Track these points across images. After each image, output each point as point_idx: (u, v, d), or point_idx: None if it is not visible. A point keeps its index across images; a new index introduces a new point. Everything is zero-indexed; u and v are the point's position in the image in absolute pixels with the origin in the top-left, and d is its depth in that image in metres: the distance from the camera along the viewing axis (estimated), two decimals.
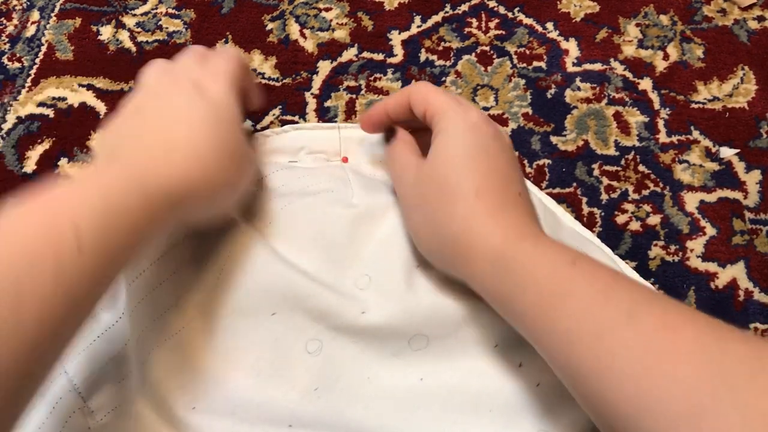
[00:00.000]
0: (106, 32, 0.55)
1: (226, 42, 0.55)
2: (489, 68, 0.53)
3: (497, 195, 0.34)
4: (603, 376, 0.26)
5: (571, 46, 0.55)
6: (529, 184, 0.46)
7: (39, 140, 0.50)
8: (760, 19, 0.56)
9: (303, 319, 0.37)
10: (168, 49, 0.54)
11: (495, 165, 0.35)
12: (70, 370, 0.37)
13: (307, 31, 0.55)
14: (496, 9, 0.57)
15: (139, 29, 0.55)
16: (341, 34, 0.55)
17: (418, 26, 0.56)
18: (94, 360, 0.37)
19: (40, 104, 0.51)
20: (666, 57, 0.54)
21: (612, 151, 0.50)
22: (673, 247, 0.46)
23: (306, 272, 0.38)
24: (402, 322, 0.36)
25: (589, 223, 0.46)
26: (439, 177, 0.35)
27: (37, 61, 0.54)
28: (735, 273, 0.45)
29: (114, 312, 0.39)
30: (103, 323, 0.38)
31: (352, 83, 0.53)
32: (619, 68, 0.54)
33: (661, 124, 0.51)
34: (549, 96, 0.52)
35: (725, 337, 0.25)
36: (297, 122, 0.51)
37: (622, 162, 0.49)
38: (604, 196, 0.48)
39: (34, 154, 0.49)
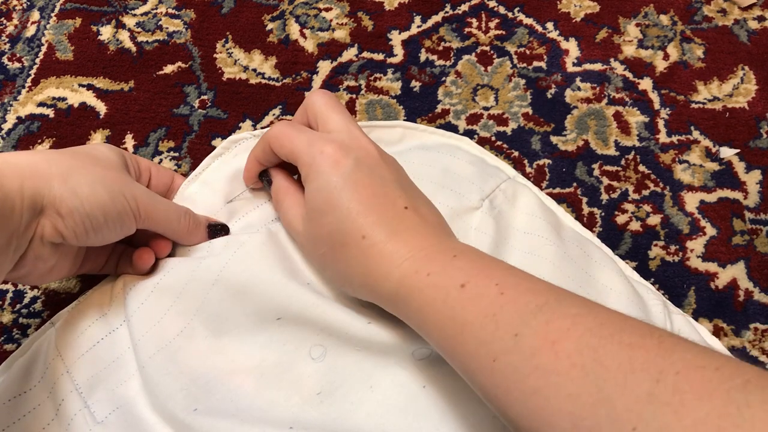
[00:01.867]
0: (106, 32, 0.55)
1: (226, 42, 0.55)
2: (489, 68, 0.53)
3: (383, 225, 0.33)
4: (501, 397, 0.28)
5: (571, 46, 0.55)
6: (528, 183, 0.46)
7: (39, 140, 0.50)
8: (760, 19, 0.56)
9: (307, 326, 0.37)
10: (168, 49, 0.54)
11: (369, 193, 0.34)
12: (72, 370, 0.37)
13: (307, 31, 0.55)
14: (496, 9, 0.57)
15: (139, 29, 0.55)
16: (341, 34, 0.55)
17: (418, 26, 0.56)
18: (96, 362, 0.37)
19: (40, 104, 0.51)
20: (666, 57, 0.54)
21: (612, 151, 0.50)
22: (673, 247, 0.46)
23: (311, 283, 0.38)
24: (406, 335, 0.36)
25: (589, 223, 0.46)
26: (326, 234, 0.35)
27: (37, 61, 0.54)
28: (735, 273, 0.45)
29: (117, 316, 0.39)
30: (106, 327, 0.38)
31: (352, 83, 0.53)
32: (619, 68, 0.54)
33: (661, 124, 0.51)
34: (549, 96, 0.52)
35: (602, 344, 0.26)
36: None
37: (622, 162, 0.49)
38: (604, 196, 0.48)
39: None
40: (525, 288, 0.30)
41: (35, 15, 0.56)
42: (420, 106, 0.51)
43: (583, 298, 0.29)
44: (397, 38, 0.55)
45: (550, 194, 0.47)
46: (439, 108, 0.51)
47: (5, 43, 0.55)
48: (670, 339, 0.25)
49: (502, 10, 0.57)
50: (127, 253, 0.40)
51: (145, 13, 0.56)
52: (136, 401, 0.36)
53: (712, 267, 0.45)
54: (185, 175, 0.46)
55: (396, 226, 0.34)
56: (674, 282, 0.44)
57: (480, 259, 0.32)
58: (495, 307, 0.29)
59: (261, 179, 0.41)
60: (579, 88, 0.52)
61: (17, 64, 0.54)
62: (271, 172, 0.41)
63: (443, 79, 0.53)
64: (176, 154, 0.49)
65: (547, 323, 0.27)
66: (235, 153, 0.45)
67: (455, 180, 0.43)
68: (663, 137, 0.50)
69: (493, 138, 0.50)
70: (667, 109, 0.52)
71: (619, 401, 0.24)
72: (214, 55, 0.54)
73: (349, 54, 0.54)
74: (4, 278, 0.33)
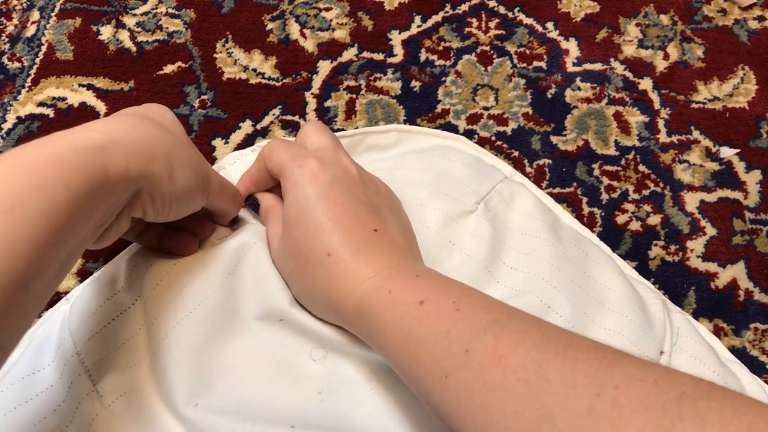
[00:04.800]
0: (106, 32, 0.55)
1: (226, 42, 0.55)
2: (489, 68, 0.53)
3: (349, 245, 0.34)
4: (453, 415, 0.28)
5: (571, 46, 0.55)
6: (526, 182, 0.46)
7: None
8: (760, 19, 0.56)
9: (308, 331, 0.37)
10: (168, 49, 0.54)
11: (339, 211, 0.35)
12: (82, 352, 0.37)
13: (307, 31, 0.55)
14: (496, 9, 0.57)
15: (139, 29, 0.55)
16: (341, 34, 0.55)
17: (418, 26, 0.56)
18: (106, 343, 0.37)
19: (40, 104, 0.51)
20: (666, 57, 0.54)
21: (612, 151, 0.50)
22: (673, 247, 0.46)
23: None
24: None
25: (589, 223, 0.46)
26: (294, 247, 0.36)
27: (37, 61, 0.54)
28: (735, 273, 0.45)
29: (130, 295, 0.38)
30: (117, 306, 0.38)
31: (352, 83, 0.53)
32: (619, 68, 0.54)
33: (661, 124, 0.51)
34: (549, 96, 0.52)
35: (547, 358, 0.26)
36: (297, 123, 0.51)
37: (623, 162, 0.49)
38: (604, 196, 0.48)
39: None
40: (479, 306, 0.30)
41: (35, 15, 0.56)
42: (420, 106, 0.51)
43: (534, 316, 0.30)
44: (397, 38, 0.55)
45: (550, 194, 0.47)
46: (439, 108, 0.51)
47: (5, 43, 0.55)
48: (613, 354, 0.26)
49: (502, 9, 0.57)
50: (154, 229, 0.40)
51: (145, 13, 0.56)
52: (143, 387, 0.36)
53: (712, 267, 0.45)
54: None
55: (362, 246, 0.34)
56: (674, 282, 0.44)
57: (441, 279, 0.33)
58: (450, 323, 0.30)
59: (246, 203, 0.42)
60: (579, 88, 0.52)
61: (17, 64, 0.54)
62: (258, 196, 0.41)
63: (443, 79, 0.53)
64: None
65: (496, 338, 0.28)
66: (235, 168, 0.45)
67: (450, 184, 0.43)
68: (663, 137, 0.50)
69: (493, 138, 0.50)
70: (667, 109, 0.52)
71: (560, 417, 0.24)
72: (214, 55, 0.54)
73: (349, 54, 0.54)
74: None
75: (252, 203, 0.42)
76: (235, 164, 0.45)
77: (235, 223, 0.42)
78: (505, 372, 0.27)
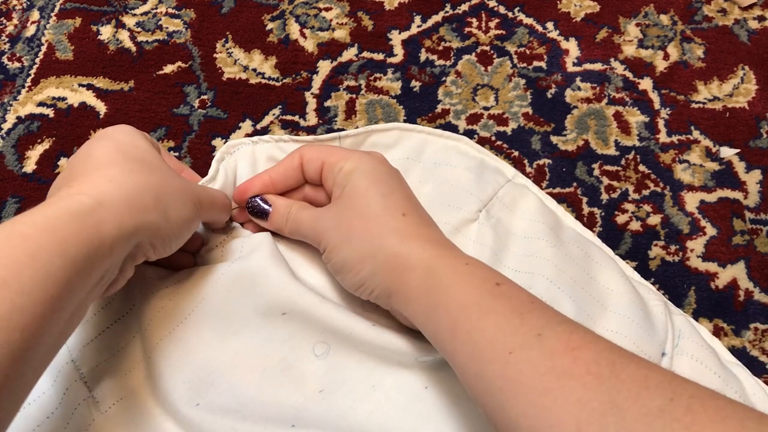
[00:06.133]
0: (106, 32, 0.55)
1: (226, 42, 0.55)
2: (489, 68, 0.53)
3: (420, 216, 0.36)
4: (509, 391, 0.28)
5: (571, 46, 0.55)
6: (529, 183, 0.46)
7: (39, 140, 0.50)
8: (761, 19, 0.56)
9: (312, 323, 0.37)
10: (168, 49, 0.54)
11: (408, 193, 0.38)
12: (77, 359, 0.37)
13: (307, 31, 0.55)
14: (496, 9, 0.57)
15: (139, 29, 0.55)
16: (341, 34, 0.55)
17: (418, 26, 0.56)
18: (101, 351, 0.37)
19: (40, 104, 0.51)
20: (666, 57, 0.54)
21: (612, 151, 0.50)
22: (673, 247, 0.46)
23: (314, 288, 0.39)
24: (410, 341, 0.36)
25: (589, 223, 0.46)
26: (364, 206, 0.36)
27: (37, 61, 0.54)
28: (735, 273, 0.45)
29: (125, 304, 0.39)
30: (112, 315, 0.38)
31: (352, 83, 0.53)
32: (619, 68, 0.54)
33: (661, 123, 0.51)
34: (549, 96, 0.52)
35: (620, 360, 0.26)
36: (297, 122, 0.51)
37: (623, 162, 0.49)
38: (604, 196, 0.48)
39: (34, 154, 0.49)
40: (552, 308, 0.31)
41: (35, 15, 0.56)
42: (420, 106, 0.51)
43: None
44: (397, 38, 0.55)
45: (550, 194, 0.47)
46: (439, 108, 0.51)
47: (5, 43, 0.55)
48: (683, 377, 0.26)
49: (502, 9, 0.57)
50: None
51: (145, 13, 0.56)
52: (140, 392, 0.36)
53: (712, 267, 0.45)
54: None
55: (429, 224, 0.36)
56: (674, 282, 0.44)
57: None
58: (524, 308, 0.30)
59: (248, 207, 0.40)
60: (579, 88, 0.52)
61: (17, 64, 0.54)
62: (268, 198, 0.40)
63: (443, 79, 0.53)
64: (176, 154, 0.49)
65: (570, 332, 0.28)
66: (235, 158, 0.44)
67: (453, 193, 0.43)
68: (663, 137, 0.50)
69: (493, 138, 0.50)
70: (667, 108, 0.52)
71: (629, 411, 0.24)
72: (214, 55, 0.54)
73: (349, 54, 0.54)
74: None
75: (257, 208, 0.40)
76: (235, 153, 0.44)
77: (230, 221, 0.42)
78: (576, 362, 0.27)
